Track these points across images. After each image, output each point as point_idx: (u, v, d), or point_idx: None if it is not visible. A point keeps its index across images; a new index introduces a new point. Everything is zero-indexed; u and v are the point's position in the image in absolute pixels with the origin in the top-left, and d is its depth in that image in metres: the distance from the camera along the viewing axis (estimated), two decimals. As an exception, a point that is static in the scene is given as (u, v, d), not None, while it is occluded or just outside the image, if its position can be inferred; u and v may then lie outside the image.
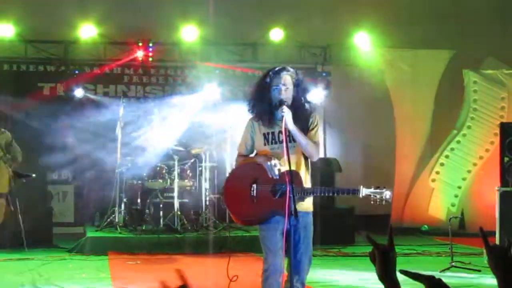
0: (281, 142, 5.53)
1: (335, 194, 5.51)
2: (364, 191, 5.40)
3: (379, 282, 2.67)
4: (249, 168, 5.71)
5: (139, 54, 13.53)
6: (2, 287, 8.57)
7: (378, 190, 5.40)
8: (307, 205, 5.61)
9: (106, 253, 10.91)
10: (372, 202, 5.43)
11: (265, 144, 5.65)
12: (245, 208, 5.66)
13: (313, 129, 5.64)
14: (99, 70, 14.05)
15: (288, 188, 5.20)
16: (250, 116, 5.81)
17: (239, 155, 5.84)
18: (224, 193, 5.98)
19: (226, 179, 5.97)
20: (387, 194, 5.40)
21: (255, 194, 5.58)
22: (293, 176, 5.24)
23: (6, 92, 13.04)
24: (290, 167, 5.21)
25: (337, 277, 9.29)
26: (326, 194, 5.75)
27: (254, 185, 5.58)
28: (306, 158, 5.64)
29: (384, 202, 5.44)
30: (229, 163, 12.43)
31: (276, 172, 5.42)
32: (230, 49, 14.28)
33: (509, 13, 14.76)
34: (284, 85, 5.56)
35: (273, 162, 5.43)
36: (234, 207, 5.81)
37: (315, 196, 5.61)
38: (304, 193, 5.48)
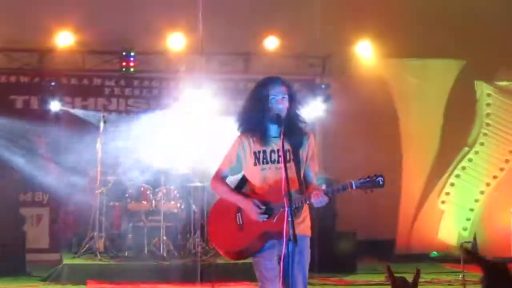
0: (273, 162, 5.51)
1: (310, 200, 5.40)
2: (354, 184, 5.35)
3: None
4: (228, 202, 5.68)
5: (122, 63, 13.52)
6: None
7: (369, 179, 5.36)
8: (304, 227, 5.58)
9: (84, 282, 10.86)
10: (366, 192, 5.36)
11: (255, 164, 5.58)
12: (235, 241, 5.57)
13: (313, 157, 5.64)
14: (78, 82, 14.05)
15: (286, 211, 5.15)
16: (239, 133, 5.73)
17: (218, 176, 5.72)
18: (209, 234, 5.92)
19: (207, 219, 5.91)
20: (380, 180, 5.35)
21: (241, 222, 5.54)
22: (291, 196, 5.21)
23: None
24: (289, 189, 5.18)
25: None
26: (301, 204, 5.45)
27: (239, 214, 5.55)
28: (299, 179, 5.61)
29: (378, 188, 5.39)
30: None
31: (261, 218, 5.41)
32: (220, 59, 14.28)
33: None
34: (282, 94, 5.54)
35: (256, 205, 5.45)
36: (222, 242, 5.68)
37: (295, 209, 5.51)
38: (296, 203, 5.42)
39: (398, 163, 14.27)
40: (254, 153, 5.58)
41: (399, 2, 14.08)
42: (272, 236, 5.34)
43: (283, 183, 5.21)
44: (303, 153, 5.56)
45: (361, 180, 5.29)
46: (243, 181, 5.73)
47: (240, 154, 5.62)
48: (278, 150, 5.47)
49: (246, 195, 5.54)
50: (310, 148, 5.65)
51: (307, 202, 5.40)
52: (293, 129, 5.51)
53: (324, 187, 5.41)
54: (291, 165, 5.49)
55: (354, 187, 5.30)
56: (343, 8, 14.05)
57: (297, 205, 5.40)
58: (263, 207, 5.40)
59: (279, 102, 5.49)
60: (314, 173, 5.66)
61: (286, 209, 5.11)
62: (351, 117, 13.86)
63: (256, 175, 5.59)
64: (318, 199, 5.28)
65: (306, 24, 13.81)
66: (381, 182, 5.31)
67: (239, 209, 5.52)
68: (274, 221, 5.39)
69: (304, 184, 5.58)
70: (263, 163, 5.56)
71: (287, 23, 13.72)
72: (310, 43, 13.95)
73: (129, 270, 11.37)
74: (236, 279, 10.50)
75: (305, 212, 5.60)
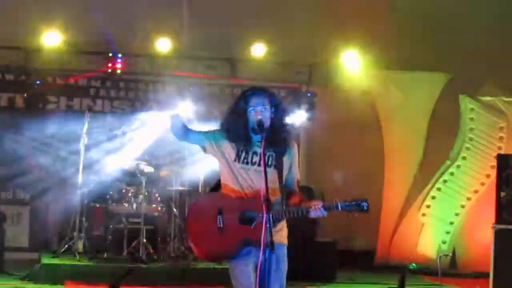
0: (254, 164, 5.51)
1: (303, 214, 5.43)
2: (340, 206, 5.40)
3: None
4: (210, 200, 5.72)
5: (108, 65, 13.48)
6: None
7: (354, 203, 5.41)
8: (281, 236, 5.59)
9: (62, 282, 10.81)
10: (350, 216, 5.41)
11: (235, 160, 5.57)
12: (213, 243, 5.53)
13: (294, 165, 5.66)
14: (63, 81, 14.01)
15: (264, 218, 5.16)
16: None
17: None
18: (187, 232, 5.89)
19: (187, 216, 5.89)
20: (364, 205, 5.41)
21: (222, 226, 5.53)
22: (270, 202, 5.21)
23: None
24: (267, 194, 5.19)
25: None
26: (300, 215, 5.46)
27: (219, 216, 5.55)
28: (281, 186, 5.62)
29: (362, 212, 5.45)
30: (202, 189, 12.43)
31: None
32: (207, 63, 14.26)
33: (510, 36, 14.87)
34: (262, 105, 5.56)
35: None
36: (201, 244, 5.61)
37: (290, 218, 5.54)
38: (277, 215, 5.44)
39: (380, 174, 14.30)
40: (238, 150, 5.57)
41: (387, 14, 14.13)
42: (251, 243, 5.33)
43: (262, 189, 5.23)
44: (286, 161, 5.58)
45: (347, 203, 5.36)
46: (218, 186, 5.71)
47: (218, 137, 5.64)
48: (260, 154, 5.44)
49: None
50: (293, 156, 5.68)
51: (305, 214, 5.41)
52: (276, 138, 5.52)
53: (321, 204, 5.42)
54: (273, 172, 5.51)
55: (339, 209, 5.37)
56: (332, 18, 14.08)
57: (289, 215, 5.44)
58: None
59: (257, 114, 5.50)
60: (296, 180, 5.69)
61: (265, 215, 5.12)
62: (335, 126, 13.90)
63: (234, 172, 5.57)
64: (317, 212, 5.37)
65: (294, 31, 13.84)
66: (365, 208, 5.39)
67: (220, 211, 5.51)
68: (252, 227, 5.40)
69: (285, 192, 5.61)
70: (243, 162, 5.56)
71: (275, 30, 13.74)
72: (298, 51, 13.99)
73: (108, 272, 11.33)
74: (216, 284, 10.47)
75: (283, 221, 5.62)
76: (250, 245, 5.33)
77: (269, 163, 5.53)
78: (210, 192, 5.79)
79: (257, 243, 5.25)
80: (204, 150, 5.70)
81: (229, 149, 5.60)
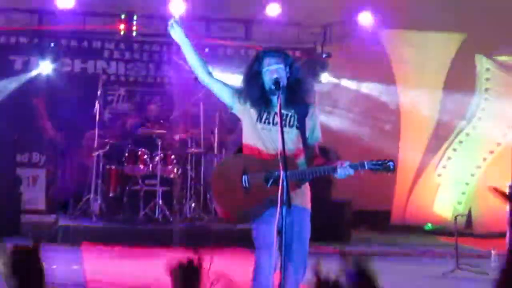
0: (275, 124, 5.48)
1: (335, 172, 5.40)
2: (367, 165, 5.36)
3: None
4: (235, 161, 5.74)
5: (122, 26, 13.41)
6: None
7: (381, 163, 5.38)
8: (304, 200, 5.59)
9: (79, 244, 10.90)
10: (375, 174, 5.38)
11: (257, 120, 5.57)
12: (239, 203, 5.58)
13: (316, 127, 5.64)
14: (77, 43, 13.98)
15: (281, 175, 5.15)
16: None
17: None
18: (213, 193, 5.91)
19: (212, 178, 5.90)
20: (391, 165, 5.38)
21: (247, 185, 5.54)
22: (287, 161, 5.20)
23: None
24: (284, 153, 5.18)
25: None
26: (326, 173, 5.52)
27: (245, 176, 5.54)
28: (300, 145, 5.60)
29: (389, 172, 5.42)
30: (217, 150, 12.43)
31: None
32: (221, 25, 14.19)
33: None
34: (277, 64, 5.54)
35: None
36: (226, 205, 5.69)
37: (315, 177, 5.52)
38: (301, 175, 5.44)
39: (396, 134, 14.27)
40: (259, 109, 5.58)
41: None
42: (276, 202, 5.25)
43: (279, 146, 5.22)
44: (308, 122, 5.55)
45: (374, 162, 5.36)
46: (240, 150, 5.74)
47: (237, 95, 5.64)
48: (282, 114, 5.46)
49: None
50: (315, 118, 5.66)
51: (331, 173, 5.42)
52: (295, 97, 5.52)
53: (347, 162, 5.39)
54: (296, 132, 5.50)
55: (366, 168, 5.36)
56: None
57: (315, 174, 5.45)
58: None
59: (272, 73, 5.50)
60: (318, 143, 5.67)
61: (282, 173, 5.11)
62: (350, 86, 13.85)
63: (256, 133, 5.58)
64: (344, 171, 5.33)
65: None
66: (391, 167, 5.38)
67: (245, 172, 5.51)
68: (269, 185, 5.41)
69: (308, 153, 5.59)
70: (265, 122, 5.56)
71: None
72: (312, 11, 13.89)
73: (124, 233, 11.42)
74: (231, 245, 10.50)
75: (307, 184, 5.61)
76: (275, 205, 5.29)
77: (291, 123, 5.53)
78: (234, 154, 5.79)
79: (279, 202, 5.25)
80: (231, 108, 5.70)
81: (252, 109, 5.60)
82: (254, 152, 5.58)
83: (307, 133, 5.55)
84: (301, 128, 5.48)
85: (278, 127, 5.31)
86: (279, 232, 5.19)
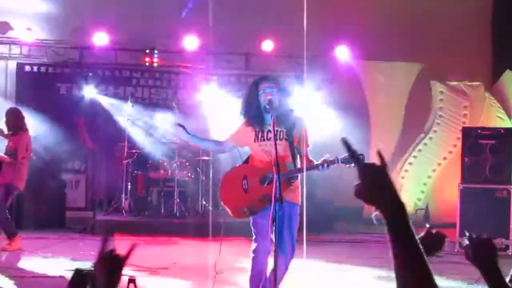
0: (269, 139, 5.55)
1: (319, 168, 5.41)
2: (340, 160, 5.36)
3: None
4: (238, 169, 5.83)
5: (146, 59, 13.48)
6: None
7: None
8: (295, 196, 5.61)
9: (112, 234, 10.84)
10: (348, 166, 5.35)
11: (255, 141, 5.69)
12: (240, 201, 5.64)
13: (302, 138, 5.65)
14: (110, 73, 14.02)
15: (274, 177, 5.18)
16: (241, 118, 5.86)
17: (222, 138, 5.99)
18: (221, 196, 5.94)
19: (220, 184, 5.94)
20: (361, 156, 5.38)
21: (247, 187, 5.59)
22: (279, 165, 5.22)
23: (28, 91, 13.05)
24: (277, 160, 5.20)
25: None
26: (310, 170, 5.52)
27: (245, 181, 5.60)
28: (293, 153, 5.63)
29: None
30: (223, 158, 12.42)
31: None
32: (226, 58, 14.22)
33: (470, 32, 14.83)
34: (270, 88, 5.58)
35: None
36: (231, 204, 5.73)
37: (302, 173, 5.53)
38: (289, 174, 5.48)
39: (367, 147, 14.24)
40: (255, 132, 5.66)
41: (373, 12, 14.10)
42: (269, 199, 5.32)
43: (273, 156, 5.25)
44: (296, 133, 5.59)
45: (346, 157, 5.33)
46: (247, 159, 5.85)
47: (241, 137, 5.77)
48: (274, 130, 5.51)
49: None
50: (302, 129, 5.69)
51: (315, 168, 5.43)
52: (284, 115, 5.57)
53: (325, 157, 5.43)
54: (285, 143, 5.56)
55: (340, 162, 5.36)
56: (326, 19, 14.01)
57: (302, 171, 5.51)
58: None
59: (266, 95, 5.55)
60: (307, 148, 5.70)
61: (275, 176, 5.14)
62: (330, 107, 13.85)
63: (255, 149, 5.70)
64: (324, 167, 5.38)
65: (295, 30, 13.76)
66: (361, 158, 5.35)
67: (245, 177, 5.56)
68: (265, 185, 5.50)
69: (298, 157, 5.66)
70: (261, 140, 5.64)
71: (280, 29, 13.67)
72: (299, 46, 13.90)
73: (149, 225, 11.40)
74: (236, 235, 10.47)
75: (297, 183, 5.64)
76: (269, 202, 5.30)
77: (281, 137, 5.58)
78: (240, 164, 5.87)
79: (272, 199, 5.29)
80: (238, 148, 5.95)
81: (249, 134, 5.70)
82: (255, 161, 5.69)
83: (296, 144, 5.61)
84: (289, 139, 5.56)
85: (272, 141, 5.36)
86: (273, 222, 5.20)
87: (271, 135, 5.48)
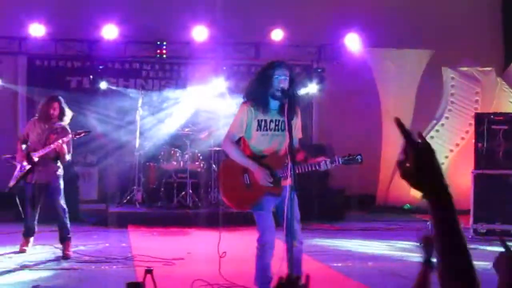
0: (271, 129, 5.57)
1: (316, 168, 5.43)
2: (340, 160, 5.38)
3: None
4: (234, 162, 5.67)
5: (156, 51, 13.53)
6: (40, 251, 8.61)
7: (351, 157, 5.41)
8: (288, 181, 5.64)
9: (126, 226, 10.94)
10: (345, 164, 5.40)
11: (257, 130, 5.60)
12: (242, 197, 5.63)
13: (296, 126, 5.67)
14: (120, 66, 14.05)
15: (289, 166, 5.21)
16: (243, 101, 5.72)
17: (230, 139, 5.64)
18: (220, 186, 5.92)
19: (218, 174, 5.91)
20: (359, 158, 5.41)
21: (248, 182, 5.57)
22: (293, 154, 5.25)
23: (38, 84, 13.10)
24: (291, 149, 5.21)
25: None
26: (312, 168, 5.50)
27: (246, 174, 5.57)
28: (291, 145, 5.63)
29: (357, 164, 5.46)
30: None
31: (268, 182, 5.45)
32: (235, 47, 14.21)
33: (480, 20, 14.77)
34: (285, 76, 5.54)
35: (268, 175, 5.47)
36: (232, 198, 5.70)
37: (305, 171, 5.50)
38: (290, 170, 5.44)
39: (378, 134, 14.24)
40: (258, 120, 5.58)
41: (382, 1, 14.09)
42: (273, 195, 5.42)
43: (286, 146, 5.28)
44: (294, 124, 5.55)
45: (345, 157, 5.39)
46: (238, 141, 5.73)
47: (249, 121, 5.59)
48: (276, 120, 5.56)
49: (259, 163, 5.55)
50: (298, 120, 5.69)
51: (316, 167, 5.43)
52: (290, 106, 5.49)
53: (329, 160, 5.45)
54: (287, 134, 5.49)
55: (340, 162, 5.40)
56: (336, 6, 14.00)
57: (305, 168, 5.46)
58: (272, 178, 5.46)
59: (281, 82, 5.50)
60: (298, 139, 5.76)
61: (289, 164, 5.15)
62: (340, 95, 13.83)
63: (258, 139, 5.61)
64: (325, 165, 5.40)
65: (306, 18, 13.75)
66: (359, 160, 5.41)
67: (245, 170, 5.54)
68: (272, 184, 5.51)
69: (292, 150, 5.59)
70: (263, 130, 5.59)
71: (291, 18, 13.68)
72: (309, 35, 13.89)
73: (162, 217, 11.44)
74: (245, 224, 10.50)
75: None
76: (270, 196, 5.37)
77: (282, 127, 5.54)
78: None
79: (278, 195, 5.35)
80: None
81: (253, 123, 5.59)
82: (252, 149, 5.64)
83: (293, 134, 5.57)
84: (290, 130, 5.45)
85: (275, 132, 5.50)
86: (281, 213, 5.29)
87: (273, 125, 5.55)
